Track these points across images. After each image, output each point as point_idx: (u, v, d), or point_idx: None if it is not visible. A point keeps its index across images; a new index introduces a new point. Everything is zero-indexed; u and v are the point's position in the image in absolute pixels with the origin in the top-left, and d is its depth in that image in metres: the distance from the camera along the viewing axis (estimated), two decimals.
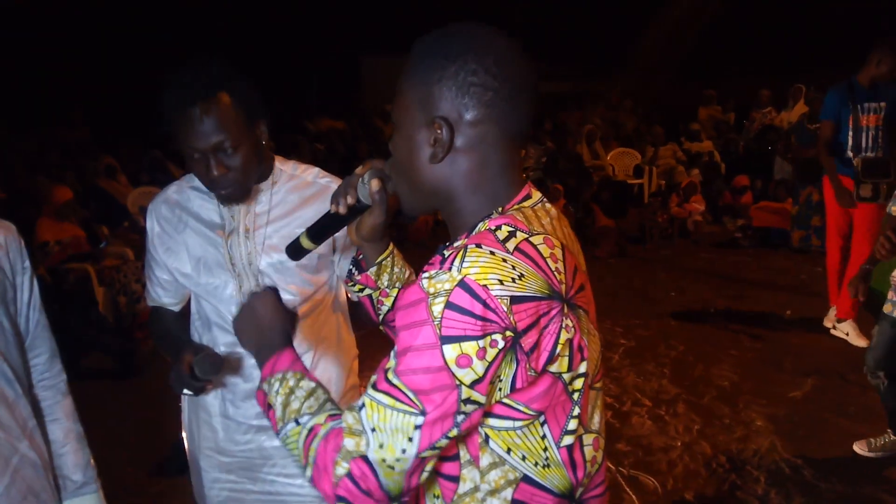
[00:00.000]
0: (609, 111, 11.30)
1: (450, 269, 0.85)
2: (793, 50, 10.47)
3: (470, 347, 0.82)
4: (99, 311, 4.63)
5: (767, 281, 6.13)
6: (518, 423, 0.90)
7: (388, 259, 1.19)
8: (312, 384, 0.99)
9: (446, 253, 0.88)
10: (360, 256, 1.21)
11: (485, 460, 0.92)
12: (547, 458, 0.92)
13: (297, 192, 1.59)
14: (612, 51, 12.07)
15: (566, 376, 0.90)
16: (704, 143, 9.67)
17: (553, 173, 8.70)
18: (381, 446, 0.84)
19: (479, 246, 0.86)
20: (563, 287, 0.90)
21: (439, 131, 0.93)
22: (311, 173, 1.63)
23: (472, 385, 0.83)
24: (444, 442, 0.85)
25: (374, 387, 0.86)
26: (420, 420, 0.83)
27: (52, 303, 1.57)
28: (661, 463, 3.19)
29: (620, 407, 3.76)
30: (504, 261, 0.85)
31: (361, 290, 1.23)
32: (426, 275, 0.86)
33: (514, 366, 0.86)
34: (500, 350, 0.83)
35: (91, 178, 7.30)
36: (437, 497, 0.97)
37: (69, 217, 5.08)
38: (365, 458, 0.85)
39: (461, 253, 0.86)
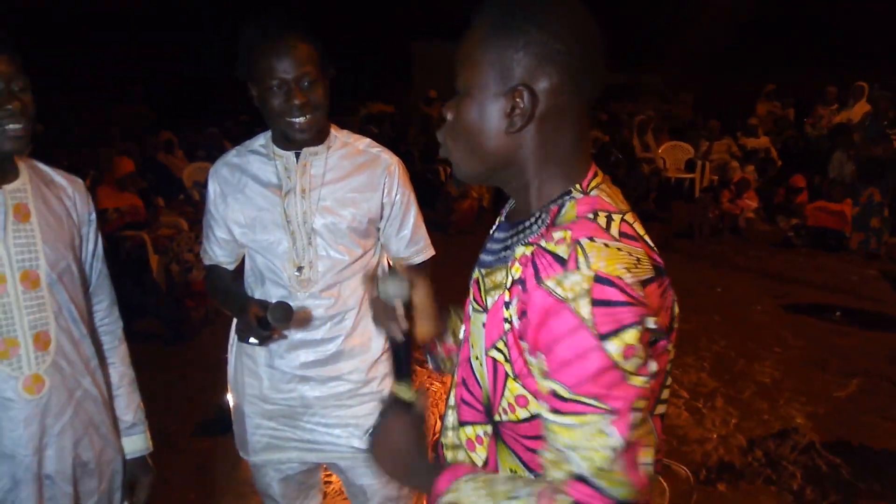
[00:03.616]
0: (663, 103, 11.11)
1: (577, 267, 0.82)
2: (854, 46, 10.08)
3: (631, 336, 0.80)
4: (152, 278, 4.82)
5: (818, 281, 5.97)
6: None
7: (451, 321, 1.20)
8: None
9: (562, 255, 0.84)
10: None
11: None
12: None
13: (349, 158, 1.66)
14: (666, 42, 11.83)
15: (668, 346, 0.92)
16: (761, 140, 9.42)
17: (602, 164, 8.61)
18: (587, 459, 0.82)
19: (591, 239, 0.84)
20: (660, 260, 0.91)
21: (520, 100, 0.89)
22: (364, 142, 1.71)
23: (638, 373, 0.82)
24: (638, 415, 0.82)
25: (553, 411, 0.84)
26: (614, 417, 0.81)
27: (108, 267, 1.68)
28: (695, 454, 3.17)
29: None
30: (619, 249, 0.84)
31: (442, 365, 1.23)
32: (551, 281, 0.82)
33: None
34: (653, 329, 0.83)
35: (150, 151, 7.57)
36: (529, 470, 0.96)
37: (128, 187, 5.30)
38: (580, 478, 0.82)
39: (579, 250, 0.83)
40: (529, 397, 0.92)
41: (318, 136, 1.64)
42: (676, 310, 0.91)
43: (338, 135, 1.68)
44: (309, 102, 1.53)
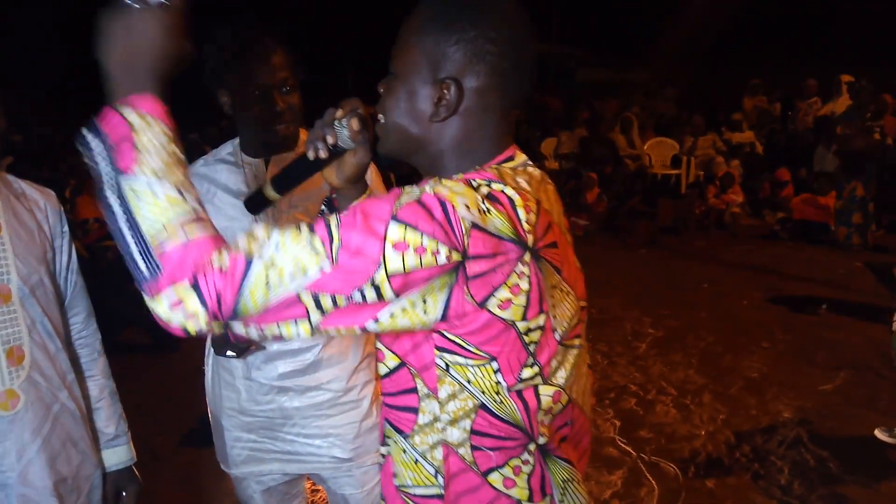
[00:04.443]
0: (647, 99, 11.13)
1: (424, 186, 0.87)
2: (838, 39, 10.14)
3: (413, 238, 0.81)
4: (135, 287, 4.77)
5: (805, 275, 6.01)
6: (470, 362, 0.91)
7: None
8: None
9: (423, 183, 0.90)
10: (334, 196, 1.20)
11: (443, 392, 0.93)
12: (501, 402, 0.93)
13: None
14: (650, 37, 11.87)
15: (520, 325, 0.90)
16: (746, 134, 9.47)
17: (587, 161, 8.63)
18: (272, 262, 0.81)
19: (451, 182, 0.88)
20: (530, 237, 0.89)
21: (447, 92, 0.94)
22: None
23: (390, 274, 0.81)
24: (327, 302, 0.82)
25: (310, 226, 0.84)
26: (325, 265, 0.80)
27: (89, 278, 1.65)
28: (683, 451, 3.18)
29: (645, 395, 3.75)
30: (473, 193, 0.87)
31: None
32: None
33: (446, 291, 0.84)
34: (436, 264, 0.82)
35: None
36: (398, 431, 0.99)
37: None
38: (248, 260, 0.80)
39: (435, 180, 0.89)
40: (385, 350, 0.97)
41: (290, 142, 1.62)
42: (517, 282, 0.88)
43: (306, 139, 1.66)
44: (290, 108, 1.52)
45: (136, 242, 0.82)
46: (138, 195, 0.81)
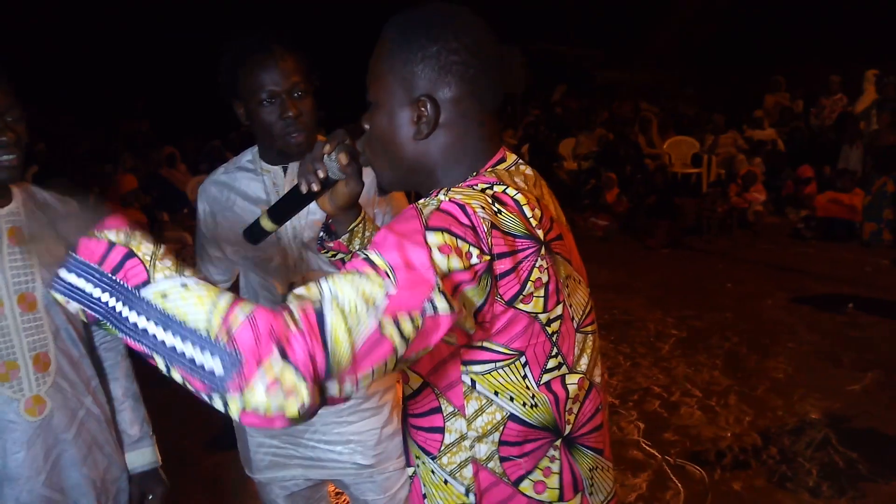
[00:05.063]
0: (666, 99, 11.04)
1: (437, 196, 0.90)
2: (858, 35, 9.96)
3: (452, 241, 0.83)
4: None
5: (830, 273, 5.91)
6: (500, 364, 0.93)
7: (360, 225, 1.20)
8: None
9: (431, 196, 0.93)
10: (330, 221, 1.22)
11: (470, 408, 0.96)
12: (533, 397, 0.95)
13: None
14: (668, 36, 11.77)
15: (542, 317, 0.93)
16: (767, 131, 9.35)
17: (609, 162, 8.58)
18: (339, 301, 0.75)
19: (459, 187, 0.93)
20: (540, 232, 0.94)
21: (424, 109, 0.97)
22: None
23: (444, 277, 0.80)
24: (407, 325, 0.77)
25: (348, 265, 0.81)
26: (389, 287, 0.77)
27: None
28: (709, 453, 3.13)
29: (669, 397, 3.71)
30: (483, 196, 0.91)
31: (334, 256, 1.24)
32: (418, 203, 0.91)
33: (484, 293, 0.87)
34: (471, 265, 0.84)
35: (153, 167, 7.60)
36: (425, 452, 1.01)
37: (132, 204, 5.32)
38: (317, 309, 0.75)
39: (445, 191, 0.92)
40: (407, 371, 1.00)
41: (308, 148, 1.62)
42: (539, 275, 0.92)
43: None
44: (302, 114, 1.51)
45: (192, 343, 0.74)
46: (169, 297, 0.76)
